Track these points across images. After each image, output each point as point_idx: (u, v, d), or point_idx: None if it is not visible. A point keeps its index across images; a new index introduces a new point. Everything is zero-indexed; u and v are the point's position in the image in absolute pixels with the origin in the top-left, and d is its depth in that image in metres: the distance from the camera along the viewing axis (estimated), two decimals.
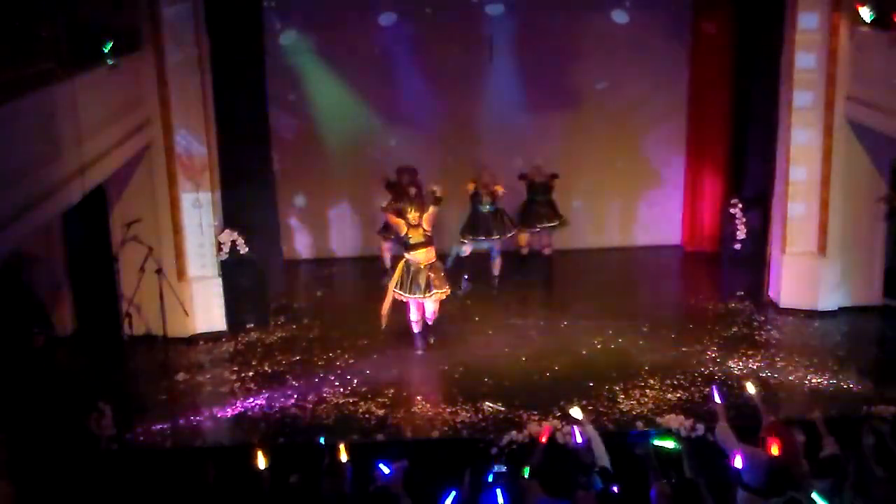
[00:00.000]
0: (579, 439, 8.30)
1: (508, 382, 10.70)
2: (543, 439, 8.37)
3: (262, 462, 7.58)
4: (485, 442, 9.39)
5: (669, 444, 7.97)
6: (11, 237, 7.79)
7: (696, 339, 11.67)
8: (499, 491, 7.38)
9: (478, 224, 13.19)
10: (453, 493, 7.35)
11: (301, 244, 14.89)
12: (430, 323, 11.60)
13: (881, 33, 10.78)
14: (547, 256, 14.21)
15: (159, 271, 11.19)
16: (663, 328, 12.03)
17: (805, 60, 11.89)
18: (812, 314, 12.27)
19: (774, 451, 7.56)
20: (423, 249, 11.24)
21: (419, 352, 11.54)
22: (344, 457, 8.00)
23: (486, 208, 13.10)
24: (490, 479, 7.83)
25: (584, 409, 9.85)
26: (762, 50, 12.55)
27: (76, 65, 9.19)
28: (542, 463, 7.81)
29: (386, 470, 7.62)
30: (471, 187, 13.12)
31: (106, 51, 9.91)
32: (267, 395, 10.57)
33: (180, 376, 11.10)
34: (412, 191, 12.81)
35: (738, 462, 7.56)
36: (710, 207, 14.39)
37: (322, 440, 8.38)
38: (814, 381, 10.59)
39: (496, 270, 13.39)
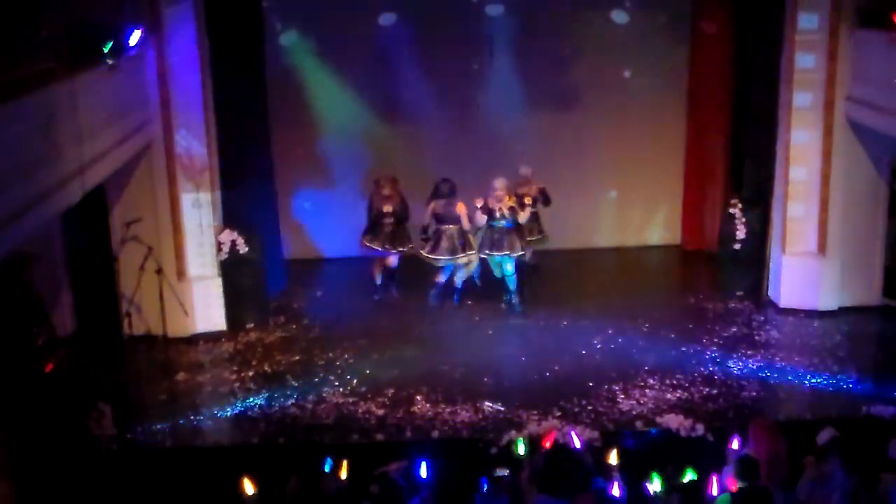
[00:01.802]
0: (578, 444, 8.35)
1: (508, 382, 10.69)
2: (547, 444, 8.37)
3: (249, 488, 7.52)
4: (484, 442, 9.39)
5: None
6: (11, 237, 7.79)
7: (696, 339, 11.68)
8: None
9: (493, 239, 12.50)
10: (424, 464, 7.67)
11: (301, 244, 14.87)
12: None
13: (881, 33, 10.79)
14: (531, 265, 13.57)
15: (159, 271, 11.20)
16: (663, 328, 12.03)
17: (805, 61, 11.89)
18: (812, 314, 12.27)
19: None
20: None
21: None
22: (344, 474, 7.99)
23: (501, 223, 12.33)
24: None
25: (583, 408, 9.97)
26: (762, 50, 12.52)
27: (76, 65, 9.18)
28: (545, 465, 7.84)
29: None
30: (512, 201, 12.34)
31: (106, 51, 9.90)
32: (267, 394, 10.57)
33: (180, 376, 11.09)
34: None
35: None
36: (710, 207, 14.39)
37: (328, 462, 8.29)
38: (813, 381, 10.60)
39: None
